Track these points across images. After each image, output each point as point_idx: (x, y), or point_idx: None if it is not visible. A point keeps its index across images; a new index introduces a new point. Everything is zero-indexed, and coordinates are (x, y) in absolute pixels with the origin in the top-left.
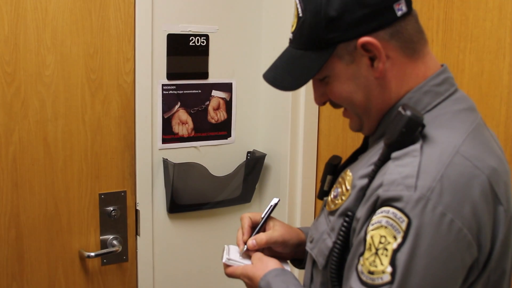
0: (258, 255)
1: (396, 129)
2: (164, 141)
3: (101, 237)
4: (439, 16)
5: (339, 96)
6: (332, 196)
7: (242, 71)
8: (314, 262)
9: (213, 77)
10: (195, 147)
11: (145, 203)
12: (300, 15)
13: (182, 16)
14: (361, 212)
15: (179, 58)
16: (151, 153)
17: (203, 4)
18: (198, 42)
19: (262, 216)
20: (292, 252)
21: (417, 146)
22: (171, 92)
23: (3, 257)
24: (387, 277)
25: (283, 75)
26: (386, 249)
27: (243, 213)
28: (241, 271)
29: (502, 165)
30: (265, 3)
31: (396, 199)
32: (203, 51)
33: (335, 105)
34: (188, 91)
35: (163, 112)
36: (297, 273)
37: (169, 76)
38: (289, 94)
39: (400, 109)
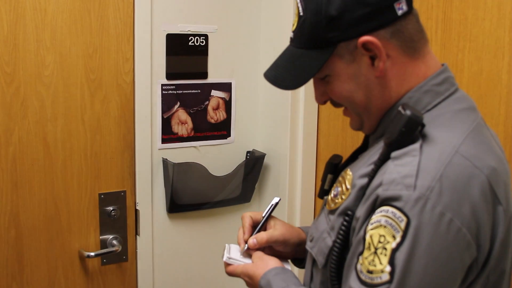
0: (258, 254)
1: (396, 129)
2: (164, 141)
3: (101, 237)
4: (438, 16)
5: (340, 95)
6: (332, 195)
7: (242, 70)
8: (314, 261)
9: (213, 77)
10: (194, 147)
11: (145, 203)
12: (301, 14)
13: (181, 16)
14: (360, 211)
15: (179, 58)
16: (150, 153)
17: (202, 4)
18: (197, 42)
19: (263, 215)
20: (292, 251)
21: (416, 145)
22: (170, 92)
23: (3, 257)
24: (386, 277)
25: (284, 74)
26: (385, 249)
27: (242, 213)
28: (241, 269)
29: (502, 165)
30: (264, 3)
31: (395, 198)
32: (203, 51)
33: (336, 104)
34: (188, 91)
35: (163, 112)
36: (297, 272)
37: (169, 76)
38: (288, 93)
39: (400, 108)
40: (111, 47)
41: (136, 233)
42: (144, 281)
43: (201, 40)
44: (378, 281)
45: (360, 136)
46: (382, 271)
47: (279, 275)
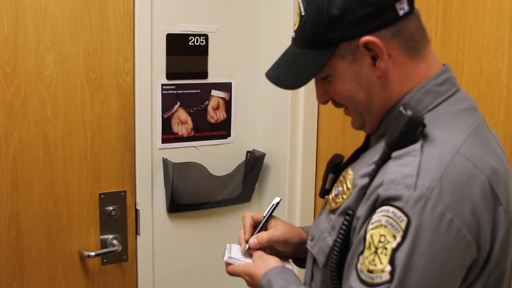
0: (259, 253)
1: (397, 129)
2: (164, 140)
3: (101, 237)
4: (438, 16)
5: (341, 95)
6: (333, 194)
7: (242, 70)
8: (314, 260)
9: (213, 77)
10: (194, 146)
11: (145, 202)
12: (303, 14)
13: (181, 16)
14: (361, 211)
15: (179, 58)
16: (150, 152)
17: (202, 4)
18: (197, 42)
19: (264, 215)
20: (293, 251)
21: (417, 145)
22: (170, 92)
23: (3, 257)
24: (386, 276)
25: (285, 74)
26: (386, 248)
27: (243, 213)
28: (242, 269)
29: (503, 165)
30: (264, 3)
31: (396, 198)
32: (203, 50)
33: (337, 104)
34: (188, 91)
35: (163, 111)
36: (298, 272)
37: (169, 76)
38: (288, 93)
39: (401, 108)
40: (111, 47)
41: (136, 233)
42: (144, 281)
43: (201, 40)
44: (378, 280)
45: (360, 136)
46: (382, 271)
47: (279, 274)
